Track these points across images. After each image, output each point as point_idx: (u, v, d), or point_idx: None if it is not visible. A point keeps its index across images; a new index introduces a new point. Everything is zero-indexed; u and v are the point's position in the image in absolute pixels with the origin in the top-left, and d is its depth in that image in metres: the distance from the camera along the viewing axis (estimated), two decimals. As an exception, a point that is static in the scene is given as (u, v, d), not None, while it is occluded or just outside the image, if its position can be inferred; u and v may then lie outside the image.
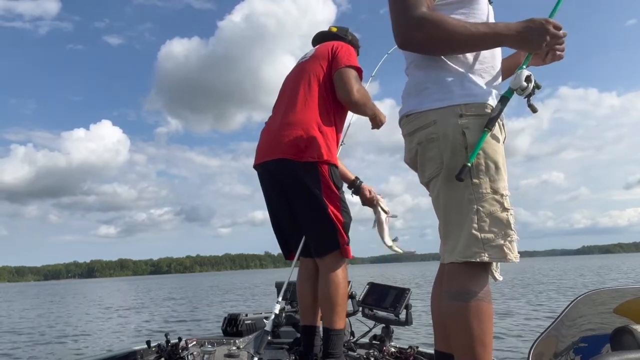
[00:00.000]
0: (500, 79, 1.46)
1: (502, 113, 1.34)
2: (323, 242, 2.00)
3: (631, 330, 1.14)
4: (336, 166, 2.05)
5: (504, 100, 1.33)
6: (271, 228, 2.21)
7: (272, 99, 2.24)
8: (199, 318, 10.71)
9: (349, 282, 2.19)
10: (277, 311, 2.05)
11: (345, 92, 2.03)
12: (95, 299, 23.13)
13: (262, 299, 15.94)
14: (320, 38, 2.35)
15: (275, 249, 2.22)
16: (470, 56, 1.39)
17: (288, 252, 2.19)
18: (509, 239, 1.32)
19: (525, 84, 1.29)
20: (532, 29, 1.30)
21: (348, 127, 2.34)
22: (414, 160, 1.47)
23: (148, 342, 2.38)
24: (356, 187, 2.36)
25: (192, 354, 2.12)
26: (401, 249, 2.32)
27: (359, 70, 2.08)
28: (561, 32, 1.32)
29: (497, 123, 1.33)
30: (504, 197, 1.34)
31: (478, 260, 1.30)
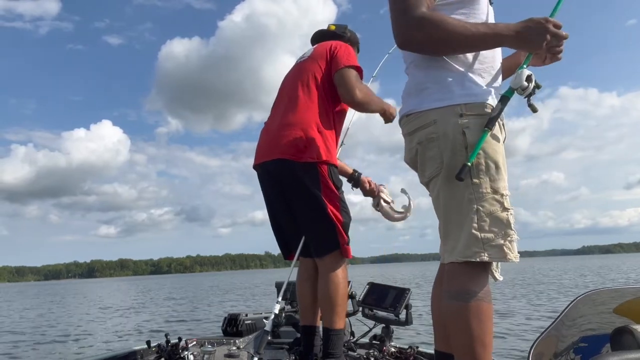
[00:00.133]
0: (500, 79, 1.46)
1: (502, 113, 1.34)
2: (323, 242, 1.99)
3: (631, 330, 1.14)
4: (335, 166, 2.05)
5: (504, 99, 1.33)
6: (271, 228, 2.21)
7: (273, 98, 2.24)
8: (199, 318, 10.71)
9: (349, 282, 2.19)
10: (276, 311, 2.05)
11: (347, 93, 2.03)
12: (96, 299, 23.13)
13: (262, 299, 15.94)
14: (319, 37, 2.34)
15: (276, 249, 2.22)
16: (470, 56, 1.39)
17: (288, 252, 2.19)
18: (509, 238, 1.32)
19: (525, 83, 1.29)
20: (532, 29, 1.30)
21: (348, 128, 2.34)
22: (414, 160, 1.47)
23: (148, 342, 2.38)
24: (355, 179, 2.35)
25: (192, 354, 2.12)
26: (409, 211, 2.29)
27: (359, 70, 2.07)
28: (563, 32, 1.32)
29: (497, 123, 1.33)
30: (504, 197, 1.34)
31: (478, 260, 1.30)
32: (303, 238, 2.06)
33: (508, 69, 1.54)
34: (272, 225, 2.20)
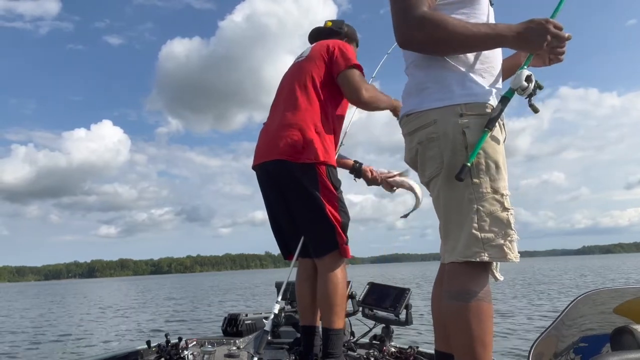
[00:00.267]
0: (501, 79, 1.46)
1: (503, 113, 1.34)
2: (321, 243, 2.00)
3: (631, 330, 1.14)
4: (334, 167, 2.05)
5: (504, 100, 1.33)
6: (270, 228, 2.21)
7: (273, 98, 2.24)
8: (199, 318, 10.72)
9: (349, 282, 2.19)
10: (276, 311, 2.05)
11: (353, 94, 2.03)
12: (96, 299, 23.14)
13: (262, 299, 15.94)
14: (316, 34, 2.33)
15: (276, 249, 2.22)
16: (471, 56, 1.39)
17: (287, 252, 2.19)
18: (509, 238, 1.32)
19: (525, 84, 1.29)
20: (533, 30, 1.30)
21: (347, 128, 2.34)
22: (414, 160, 1.47)
23: (148, 342, 2.37)
24: (357, 170, 2.33)
25: (192, 354, 2.12)
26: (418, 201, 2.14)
27: (359, 68, 2.07)
28: (565, 34, 1.32)
29: (497, 123, 1.33)
30: (504, 197, 1.34)
31: (478, 260, 1.30)
32: (302, 238, 2.06)
33: (509, 69, 1.54)
34: (271, 225, 2.20)
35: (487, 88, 1.37)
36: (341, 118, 2.19)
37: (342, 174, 2.19)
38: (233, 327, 2.67)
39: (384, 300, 2.30)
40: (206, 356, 2.07)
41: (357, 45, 2.37)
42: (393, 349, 2.28)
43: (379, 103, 2.09)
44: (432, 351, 1.65)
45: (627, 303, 1.43)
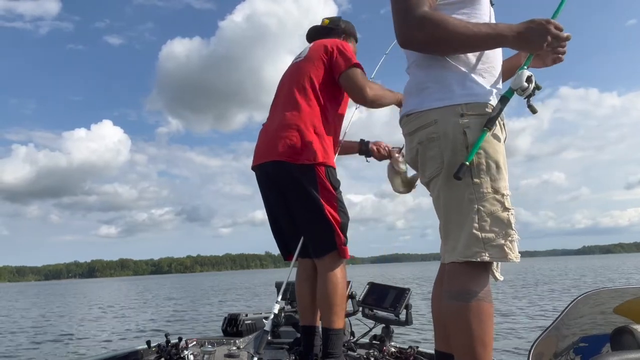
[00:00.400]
0: (501, 79, 1.46)
1: (503, 113, 1.34)
2: (321, 243, 2.00)
3: (631, 330, 1.14)
4: (333, 167, 2.05)
5: (504, 100, 1.33)
6: (270, 229, 2.21)
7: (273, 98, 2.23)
8: (199, 318, 10.72)
9: (349, 282, 2.19)
10: (276, 311, 2.05)
11: (358, 94, 2.03)
12: (96, 299, 23.14)
13: (262, 299, 15.94)
14: (314, 33, 2.33)
15: (276, 249, 2.22)
16: (471, 56, 1.39)
17: (287, 252, 2.19)
18: (510, 238, 1.32)
19: (525, 84, 1.29)
20: (533, 30, 1.30)
21: (347, 128, 2.33)
22: (414, 160, 1.47)
23: (148, 342, 2.38)
24: (365, 150, 2.32)
25: (192, 353, 2.12)
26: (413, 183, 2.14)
27: (360, 66, 2.06)
28: (565, 34, 1.32)
29: (497, 123, 1.33)
30: (504, 197, 1.34)
31: (479, 260, 1.30)
32: (302, 239, 2.06)
33: (509, 70, 1.54)
34: (271, 226, 2.20)
35: (488, 88, 1.37)
36: (341, 118, 2.19)
37: (342, 175, 2.19)
38: (233, 327, 2.67)
39: (384, 300, 2.30)
40: (206, 356, 2.07)
41: (356, 41, 2.36)
42: (393, 349, 2.28)
43: (384, 100, 2.09)
44: (432, 351, 1.65)
45: (627, 303, 1.43)
